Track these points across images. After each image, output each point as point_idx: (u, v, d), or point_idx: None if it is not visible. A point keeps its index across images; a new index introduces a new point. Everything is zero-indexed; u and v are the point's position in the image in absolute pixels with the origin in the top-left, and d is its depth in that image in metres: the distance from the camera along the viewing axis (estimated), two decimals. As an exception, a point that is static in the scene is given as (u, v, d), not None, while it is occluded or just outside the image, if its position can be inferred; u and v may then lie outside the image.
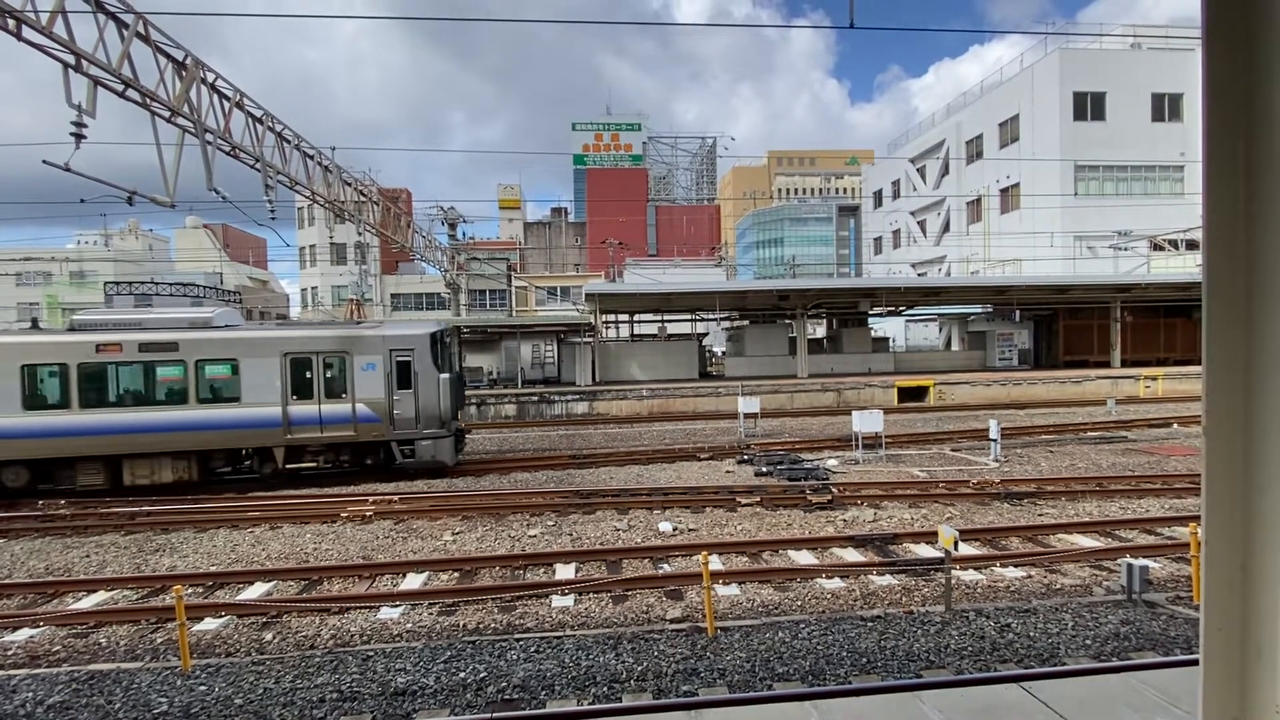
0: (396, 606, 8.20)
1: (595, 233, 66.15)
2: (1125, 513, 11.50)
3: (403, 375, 15.59)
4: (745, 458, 17.06)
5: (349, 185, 21.41)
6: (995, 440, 16.11)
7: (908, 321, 46.03)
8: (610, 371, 31.96)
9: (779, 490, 13.14)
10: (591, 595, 8.39)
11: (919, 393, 29.61)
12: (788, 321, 34.34)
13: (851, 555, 9.70)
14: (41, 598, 8.98)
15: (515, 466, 17.14)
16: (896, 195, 57.33)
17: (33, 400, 14.44)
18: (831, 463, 16.33)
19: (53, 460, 14.67)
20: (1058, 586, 8.33)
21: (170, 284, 18.13)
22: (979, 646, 6.60)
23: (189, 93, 12.81)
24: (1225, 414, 1.29)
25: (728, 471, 15.81)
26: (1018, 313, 35.72)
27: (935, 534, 9.03)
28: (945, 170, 49.64)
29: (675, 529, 11.16)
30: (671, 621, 7.56)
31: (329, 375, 15.46)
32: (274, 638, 7.54)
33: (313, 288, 57.32)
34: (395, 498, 13.50)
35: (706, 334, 43.75)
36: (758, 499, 12.52)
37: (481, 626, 7.63)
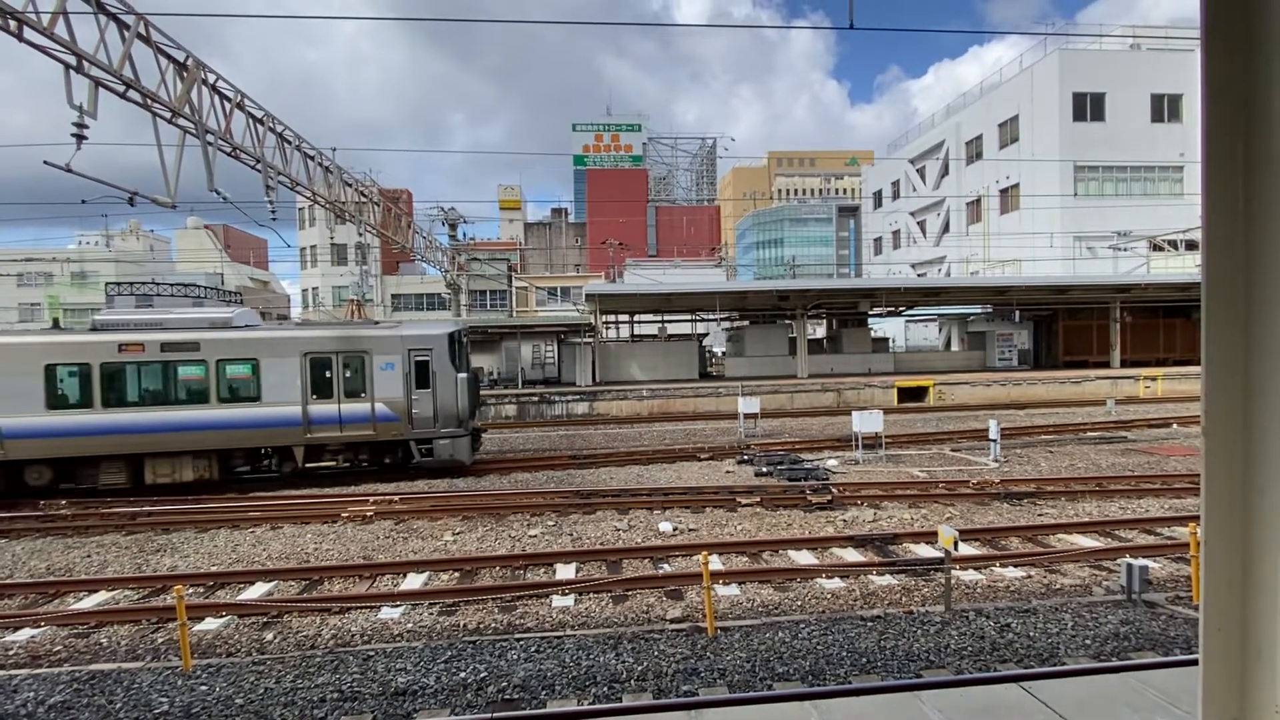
0: (397, 606, 8.20)
1: (595, 233, 66.15)
2: (1125, 513, 11.50)
3: (421, 375, 15.69)
4: (745, 458, 17.06)
5: (350, 186, 21.42)
6: (995, 440, 16.11)
7: (907, 322, 46.05)
8: (610, 372, 31.96)
9: (779, 490, 13.14)
10: (592, 595, 8.40)
11: (919, 393, 29.62)
12: (788, 322, 34.35)
13: (851, 555, 9.71)
14: (43, 598, 8.99)
15: (515, 467, 17.14)
16: (896, 196, 57.34)
17: (56, 400, 14.51)
18: (831, 463, 16.33)
19: (75, 459, 14.75)
20: (1057, 586, 8.34)
21: (171, 284, 18.13)
22: (979, 646, 6.60)
23: (190, 93, 12.82)
24: (1224, 414, 1.30)
25: (728, 472, 15.81)
26: (1017, 313, 35.73)
27: (935, 534, 9.03)
28: (945, 171, 49.66)
29: (675, 529, 11.16)
30: (672, 621, 7.56)
31: (348, 375, 15.55)
32: (275, 638, 7.54)
33: (313, 288, 57.30)
34: (396, 498, 13.51)
35: (707, 334, 43.76)
36: (758, 499, 12.52)
37: (482, 626, 7.63)
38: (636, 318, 39.35)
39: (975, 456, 16.81)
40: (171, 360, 14.91)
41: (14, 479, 14.55)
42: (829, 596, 8.19)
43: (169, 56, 12.40)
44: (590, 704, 5.76)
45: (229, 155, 14.55)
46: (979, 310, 38.20)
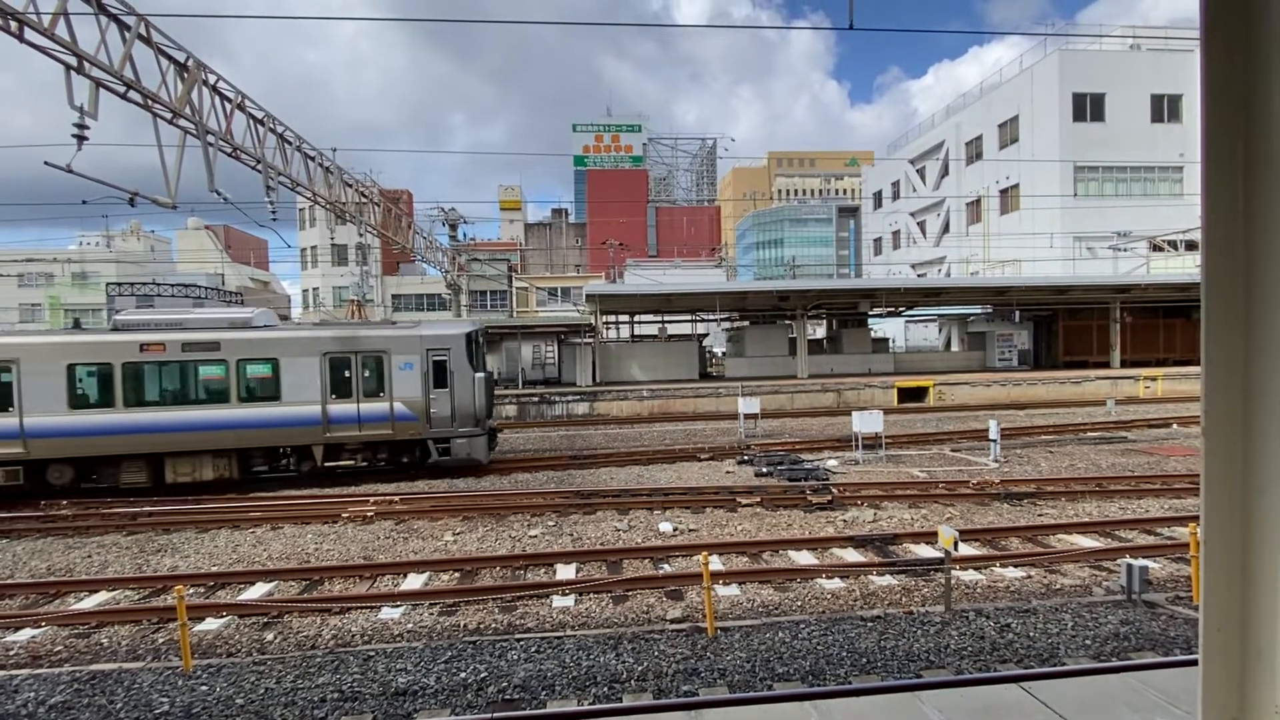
0: (397, 606, 8.20)
1: (595, 234, 66.17)
2: (1125, 513, 11.50)
3: (439, 374, 15.80)
4: (745, 458, 17.06)
5: (350, 186, 21.43)
6: (995, 440, 16.11)
7: (907, 322, 46.05)
8: (611, 372, 31.96)
9: (779, 490, 13.14)
10: (592, 595, 8.40)
11: (919, 393, 29.62)
12: (788, 322, 34.35)
13: (851, 555, 9.71)
14: (43, 598, 8.99)
15: (516, 467, 17.14)
16: (896, 196, 57.35)
17: (78, 399, 14.58)
18: (831, 463, 16.33)
19: (97, 458, 14.83)
20: (1057, 587, 8.34)
21: (172, 285, 18.17)
22: (979, 646, 6.60)
23: (190, 94, 12.83)
24: (1224, 414, 1.30)
25: (728, 472, 15.81)
26: (1017, 313, 35.73)
27: (935, 534, 9.03)
28: (945, 171, 49.66)
29: (675, 529, 11.17)
30: (672, 622, 7.56)
31: (367, 374, 15.65)
32: (275, 638, 7.54)
33: (314, 289, 57.31)
34: (396, 498, 13.51)
35: (707, 335, 43.76)
36: (758, 499, 12.52)
37: (482, 626, 7.64)
38: (637, 318, 39.36)
39: (975, 457, 16.81)
40: (192, 360, 15.02)
41: (37, 478, 14.65)
42: (829, 597, 8.19)
43: (170, 57, 12.41)
44: (590, 704, 5.76)
45: (229, 156, 14.56)
46: (979, 311, 38.20)
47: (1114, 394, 28.61)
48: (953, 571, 8.00)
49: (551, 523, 11.87)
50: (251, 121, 15.11)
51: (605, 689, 6.01)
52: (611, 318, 38.68)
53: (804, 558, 9.64)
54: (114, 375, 14.60)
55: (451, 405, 15.80)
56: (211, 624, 7.89)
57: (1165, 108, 39.63)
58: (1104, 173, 39.76)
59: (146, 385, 14.88)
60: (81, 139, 10.83)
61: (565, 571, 9.32)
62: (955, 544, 7.24)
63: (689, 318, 38.77)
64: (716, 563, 9.19)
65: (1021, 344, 34.98)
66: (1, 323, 52.02)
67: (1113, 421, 22.34)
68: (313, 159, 18.32)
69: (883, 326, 43.26)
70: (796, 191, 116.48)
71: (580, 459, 17.71)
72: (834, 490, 12.91)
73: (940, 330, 43.18)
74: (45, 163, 11.46)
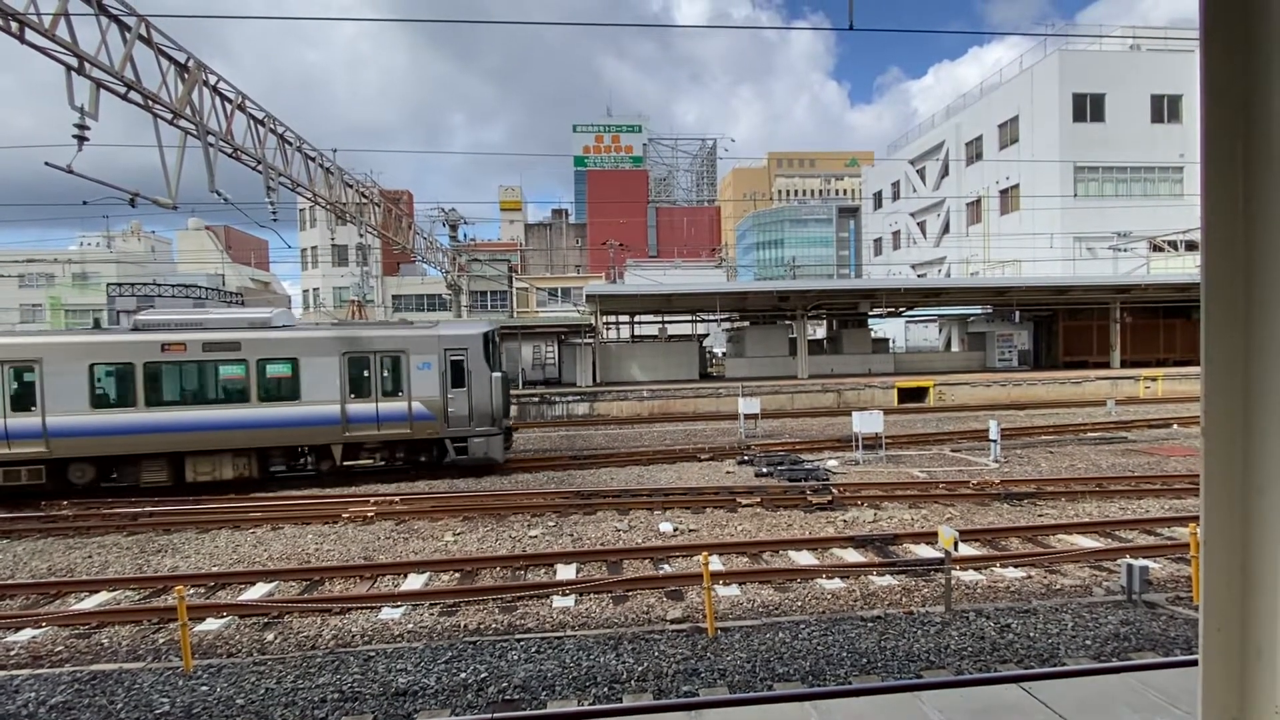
0: (398, 607, 8.20)
1: (596, 234, 66.17)
2: (1125, 513, 11.50)
3: (457, 374, 15.90)
4: (745, 458, 17.06)
5: (350, 187, 21.43)
6: (995, 441, 16.11)
7: (908, 322, 46.04)
8: (611, 372, 31.96)
9: (779, 491, 13.14)
10: (592, 595, 8.40)
11: (919, 393, 29.61)
12: (788, 322, 34.35)
13: (851, 556, 9.71)
14: (44, 598, 8.99)
15: (516, 467, 17.14)
16: (896, 197, 57.35)
17: (100, 399, 14.65)
18: (831, 463, 16.33)
19: (118, 457, 14.91)
20: (1058, 587, 8.33)
21: (173, 285, 18.20)
22: (979, 647, 6.60)
23: (191, 95, 12.83)
24: (1224, 414, 1.30)
25: (728, 472, 15.81)
26: (1017, 314, 35.72)
27: (935, 534, 9.03)
28: (945, 172, 49.67)
29: (676, 529, 11.17)
30: (672, 622, 7.56)
31: (386, 374, 15.75)
32: (275, 638, 7.54)
33: (314, 289, 57.34)
34: (396, 499, 13.52)
35: (707, 335, 43.76)
36: (758, 499, 12.52)
37: (482, 627, 7.64)
38: (637, 318, 39.36)
39: (975, 457, 16.81)
40: (213, 360, 15.10)
41: (59, 477, 14.71)
42: (829, 597, 8.19)
43: (170, 58, 12.41)
44: (590, 704, 5.76)
45: (230, 156, 14.55)
46: (979, 311, 38.20)
47: (1114, 394, 28.61)
48: (953, 572, 8.01)
49: (552, 523, 11.87)
50: (252, 122, 15.11)
51: (605, 689, 6.01)
52: (612, 318, 38.69)
53: (804, 558, 9.64)
54: (135, 375, 14.69)
55: (469, 405, 15.89)
56: (212, 624, 7.89)
57: (1165, 108, 39.64)
58: (1104, 173, 39.76)
59: (168, 385, 14.98)
60: (82, 139, 10.83)
61: (565, 572, 9.32)
62: (955, 544, 7.24)
63: (689, 318, 38.77)
64: (717, 563, 9.19)
65: (1021, 344, 34.98)
66: (2, 323, 52.03)
67: (1113, 422, 22.33)
68: (313, 159, 18.32)
69: (883, 327, 43.26)
70: (796, 192, 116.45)
71: (580, 459, 17.71)
72: (834, 490, 12.91)
73: (940, 331, 43.18)
74: (46, 163, 11.47)
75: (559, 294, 57.05)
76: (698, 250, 70.95)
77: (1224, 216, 1.28)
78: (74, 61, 10.48)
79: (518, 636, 7.14)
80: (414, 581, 9.15)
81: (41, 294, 60.82)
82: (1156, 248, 37.27)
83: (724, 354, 39.44)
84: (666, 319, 39.24)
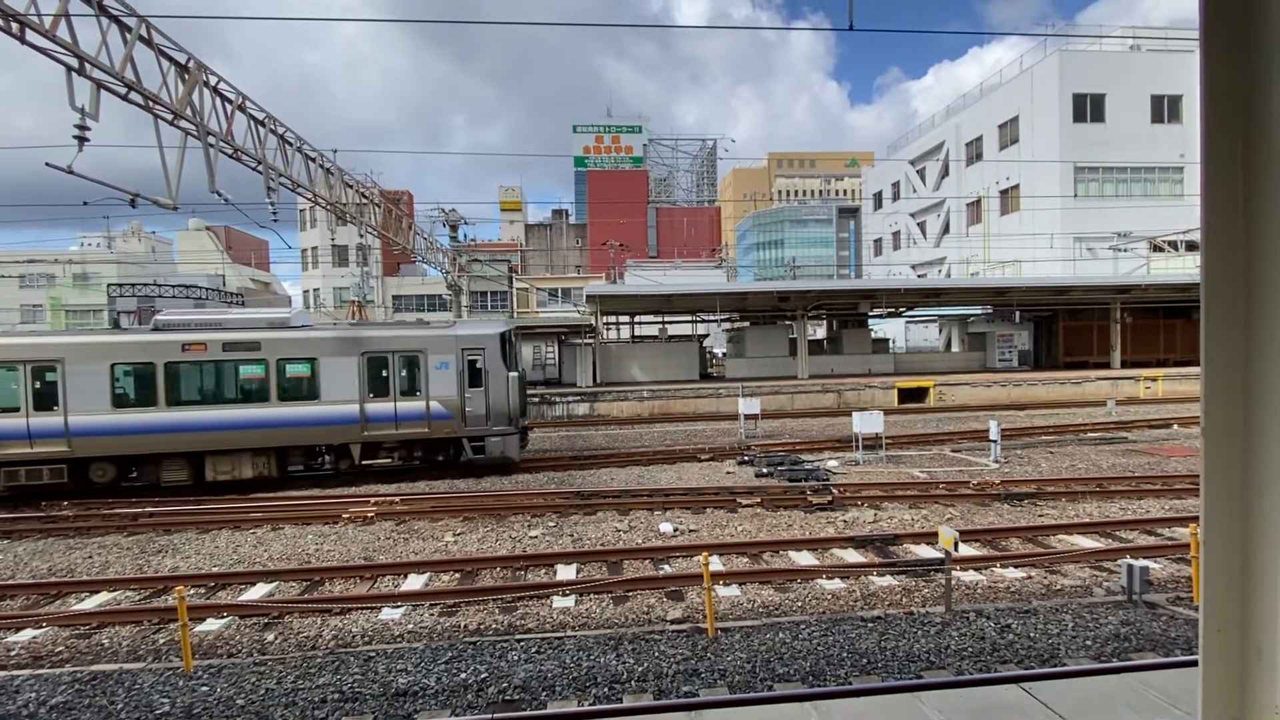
0: (398, 607, 8.20)
1: (596, 234, 66.17)
2: (1125, 513, 11.49)
3: (474, 374, 16.00)
4: (746, 459, 17.06)
5: (351, 187, 21.43)
6: (995, 441, 16.11)
7: (908, 323, 46.02)
8: (611, 373, 31.96)
9: (779, 491, 13.14)
10: (592, 596, 8.40)
11: (919, 394, 29.61)
12: (788, 323, 34.35)
13: (852, 556, 9.70)
14: (44, 598, 8.99)
15: (516, 467, 17.14)
16: (896, 197, 57.35)
17: (121, 398, 14.70)
18: (832, 464, 16.33)
19: (139, 457, 14.98)
20: (1058, 587, 8.33)
21: (173, 286, 18.22)
22: (979, 647, 6.60)
23: (191, 96, 12.83)
24: (1224, 414, 1.30)
25: (728, 472, 15.81)
26: (1018, 314, 35.72)
27: (935, 535, 9.03)
28: (945, 172, 49.67)
29: (676, 530, 11.17)
30: (672, 622, 7.56)
31: (404, 374, 15.83)
32: (276, 638, 7.55)
33: (315, 289, 57.36)
34: (397, 499, 13.52)
35: (707, 335, 43.76)
36: (758, 500, 12.52)
37: (483, 627, 7.64)
38: (637, 319, 39.36)
39: (976, 457, 16.81)
40: (233, 360, 15.17)
41: (80, 476, 14.77)
42: (829, 597, 8.19)
43: (170, 59, 12.41)
44: (591, 705, 5.76)
45: (230, 157, 14.56)
46: (979, 311, 38.19)
47: (1114, 394, 28.60)
48: (953, 572, 8.00)
49: (552, 523, 11.87)
50: (252, 123, 15.12)
51: (605, 690, 6.01)
52: (612, 318, 38.69)
53: (804, 558, 9.64)
54: (156, 375, 14.76)
55: (486, 404, 15.98)
56: (212, 624, 7.89)
57: (1165, 108, 39.64)
58: (1104, 173, 39.76)
59: (188, 384, 15.05)
60: (83, 140, 10.83)
61: (566, 572, 9.32)
62: (955, 544, 7.24)
63: (689, 318, 38.78)
64: (717, 563, 9.18)
65: (1022, 344, 34.97)
66: (3, 324, 52.05)
67: (1113, 422, 22.33)
68: (313, 160, 18.32)
69: (883, 327, 43.26)
70: (797, 192, 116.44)
71: (581, 459, 17.71)
72: (834, 491, 12.90)
73: (940, 331, 43.17)
74: (46, 164, 11.48)
75: (559, 294, 57.06)
76: (698, 250, 70.97)
77: (1224, 216, 1.28)
78: (74, 62, 10.48)
79: (518, 637, 7.14)
80: (414, 582, 9.15)
81: (42, 294, 60.86)
82: (1156, 248, 37.27)
83: (724, 354, 39.44)
84: (667, 319, 39.24)
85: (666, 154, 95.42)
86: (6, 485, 14.32)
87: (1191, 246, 35.73)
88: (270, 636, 7.60)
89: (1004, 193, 43.36)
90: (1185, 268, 34.91)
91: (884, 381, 30.08)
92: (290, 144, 16.88)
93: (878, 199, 62.20)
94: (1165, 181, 39.97)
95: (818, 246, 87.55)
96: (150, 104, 12.01)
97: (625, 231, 63.22)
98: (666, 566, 9.44)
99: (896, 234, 57.64)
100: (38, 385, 14.29)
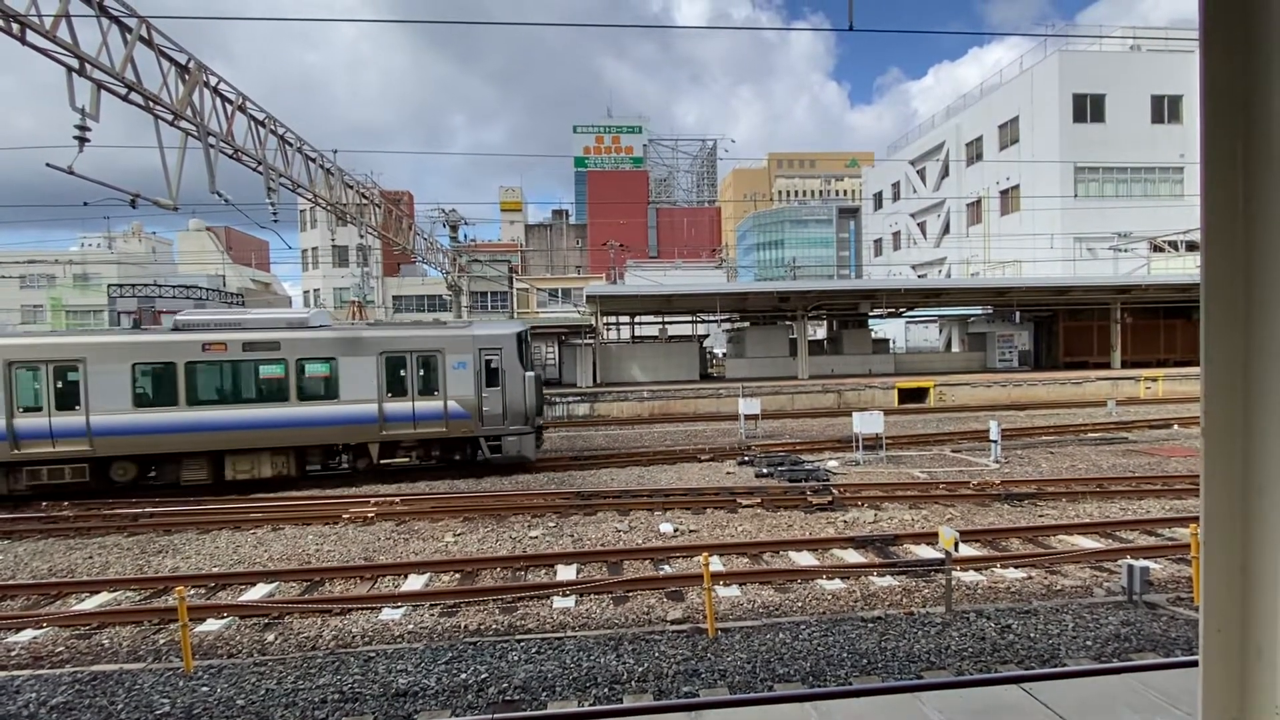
0: (398, 607, 8.20)
1: (596, 235, 66.17)
2: (1126, 514, 11.49)
3: (491, 374, 16.09)
4: (746, 459, 17.06)
5: (351, 188, 21.43)
6: (995, 441, 16.10)
7: (908, 323, 46.02)
8: (611, 373, 31.97)
9: (779, 491, 13.14)
10: (593, 596, 8.40)
11: (919, 394, 29.60)
12: (788, 323, 34.35)
13: (852, 556, 9.70)
14: (45, 599, 8.99)
15: (517, 468, 17.14)
16: (896, 197, 57.35)
17: (142, 398, 14.77)
18: (832, 464, 16.33)
19: (159, 456, 15.05)
20: (1058, 587, 8.33)
21: (174, 286, 18.25)
22: (979, 647, 6.60)
23: (192, 96, 12.83)
24: (1224, 415, 1.30)
25: (728, 473, 15.81)
26: (1018, 314, 35.72)
27: (936, 535, 9.03)
28: (945, 172, 49.67)
29: (676, 530, 11.16)
30: (672, 622, 7.56)
31: (422, 373, 15.90)
32: (276, 639, 7.55)
33: (315, 290, 57.36)
34: (397, 499, 13.52)
35: (707, 335, 43.76)
36: (758, 500, 12.52)
37: (483, 627, 7.64)
38: (637, 319, 39.36)
39: (976, 457, 16.81)
40: (252, 360, 15.23)
41: (101, 475, 14.83)
42: (829, 598, 8.18)
43: (171, 59, 12.41)
44: (591, 705, 5.76)
45: (231, 158, 14.56)
46: (979, 311, 38.20)
47: (1114, 395, 28.60)
48: (953, 572, 8.00)
49: (552, 523, 11.87)
50: (252, 123, 15.12)
51: (606, 690, 6.01)
52: (612, 319, 38.69)
53: (804, 559, 9.63)
54: (177, 374, 14.82)
55: (503, 404, 16.05)
56: (212, 625, 7.89)
57: (1165, 108, 39.64)
58: (1104, 173, 39.76)
59: (209, 384, 15.12)
60: (83, 141, 10.83)
61: (566, 572, 9.32)
62: (956, 545, 7.24)
63: (689, 319, 38.78)
64: (717, 564, 9.18)
65: (1022, 345, 34.97)
66: (3, 324, 52.06)
67: (1113, 422, 22.32)
68: (314, 160, 18.33)
69: (883, 327, 43.26)
70: (797, 193, 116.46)
71: (581, 460, 17.72)
72: (834, 491, 12.90)
73: (941, 331, 43.18)
74: (47, 164, 11.48)
75: (559, 295, 57.04)
76: (698, 251, 70.95)
77: (1224, 216, 1.28)
78: (75, 63, 10.48)
79: (518, 637, 7.14)
80: (414, 582, 9.15)
81: (42, 295, 60.84)
82: (1157, 248, 37.26)
83: (724, 354, 39.44)
84: (667, 319, 39.24)
85: (666, 154, 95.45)
86: (29, 484, 14.38)
87: (1191, 246, 35.73)
88: (270, 637, 7.60)
89: (1004, 193, 43.37)
90: (1185, 268, 34.91)
91: (884, 382, 30.08)
92: (290, 144, 16.88)
93: (878, 199, 62.21)
94: (1165, 181, 39.97)
95: (818, 247, 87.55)
96: (150, 104, 12.01)
97: (625, 232, 63.22)
98: (667, 567, 9.44)
99: (896, 234, 57.64)
100: (60, 385, 14.37)
